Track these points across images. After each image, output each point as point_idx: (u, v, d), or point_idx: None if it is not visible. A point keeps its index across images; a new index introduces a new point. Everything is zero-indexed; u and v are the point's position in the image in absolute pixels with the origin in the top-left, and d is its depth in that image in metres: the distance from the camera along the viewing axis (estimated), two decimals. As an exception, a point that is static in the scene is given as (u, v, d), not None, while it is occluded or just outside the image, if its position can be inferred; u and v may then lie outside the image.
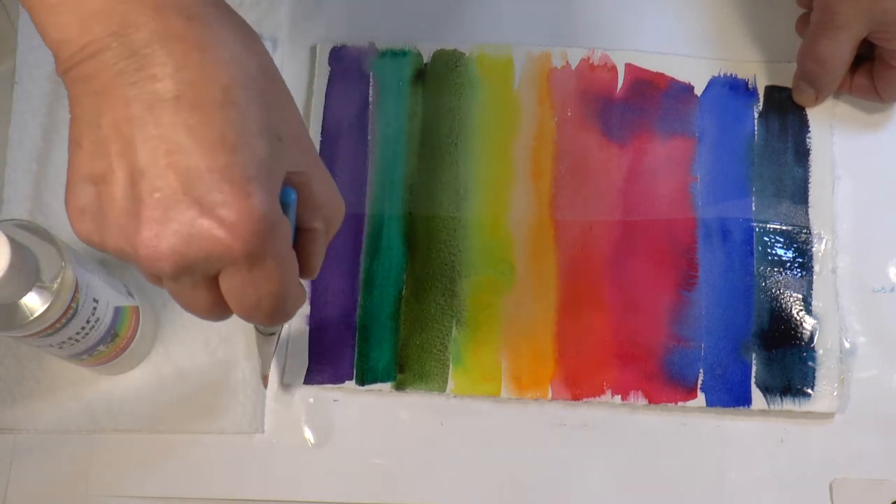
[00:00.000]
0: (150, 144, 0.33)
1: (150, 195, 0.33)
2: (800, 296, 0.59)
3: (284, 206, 0.36)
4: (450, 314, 0.59)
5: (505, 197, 0.61)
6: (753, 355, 0.58)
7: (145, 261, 0.34)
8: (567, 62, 0.64)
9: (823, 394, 0.57)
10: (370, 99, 0.64)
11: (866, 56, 0.60)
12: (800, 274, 0.59)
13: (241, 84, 0.34)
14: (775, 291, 0.59)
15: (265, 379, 0.53)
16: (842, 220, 0.61)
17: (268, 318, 0.37)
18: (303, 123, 0.38)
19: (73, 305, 0.49)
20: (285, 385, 0.59)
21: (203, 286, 0.36)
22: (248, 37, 0.35)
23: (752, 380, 0.57)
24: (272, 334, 0.47)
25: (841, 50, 0.58)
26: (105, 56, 0.33)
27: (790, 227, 0.60)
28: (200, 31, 0.33)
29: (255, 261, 0.34)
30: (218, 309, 0.37)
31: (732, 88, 0.63)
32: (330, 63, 0.64)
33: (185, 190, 0.33)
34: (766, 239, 0.60)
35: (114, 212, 0.34)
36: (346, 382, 0.58)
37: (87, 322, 0.51)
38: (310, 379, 0.59)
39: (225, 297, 0.36)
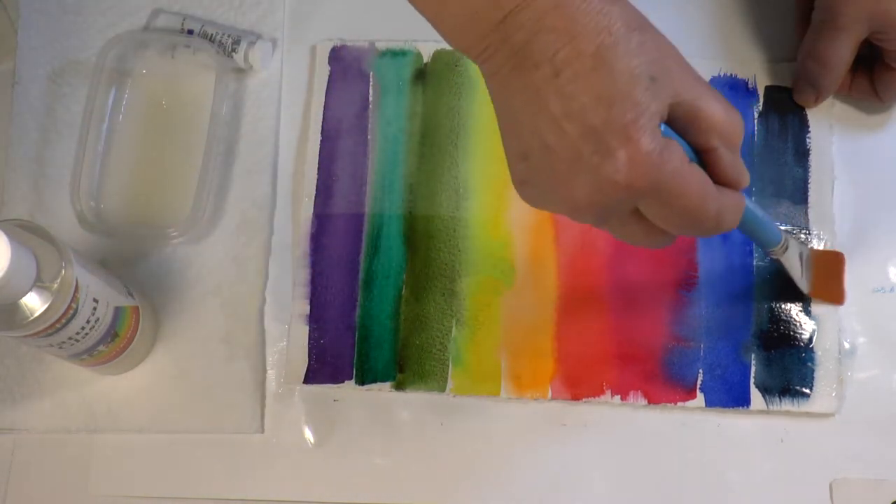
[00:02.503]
0: (545, 121, 0.39)
1: (559, 161, 0.40)
2: (799, 296, 0.59)
3: (668, 134, 0.41)
4: (449, 314, 0.59)
5: (505, 197, 0.61)
6: (753, 356, 0.58)
7: (572, 214, 0.41)
8: (567, 62, 0.64)
9: (822, 394, 0.57)
10: (370, 99, 0.64)
11: (866, 57, 0.60)
12: (800, 274, 0.59)
13: (607, 47, 0.39)
14: (775, 292, 0.59)
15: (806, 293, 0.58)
16: (841, 220, 0.61)
17: (697, 228, 0.42)
18: (678, 55, 0.42)
19: (73, 305, 0.49)
20: (285, 384, 0.59)
21: (632, 221, 0.42)
22: None
23: (752, 380, 0.57)
24: (779, 254, 0.53)
25: (841, 51, 0.58)
26: (497, 58, 0.40)
27: (790, 228, 0.60)
28: (565, 14, 0.39)
29: (658, 186, 0.40)
30: (655, 234, 0.43)
31: (732, 88, 0.63)
32: (330, 63, 0.64)
33: (580, 150, 0.39)
34: (765, 239, 0.60)
35: (540, 180, 0.41)
36: (346, 382, 0.59)
37: (87, 322, 0.51)
38: (310, 378, 0.59)
39: (653, 222, 0.42)
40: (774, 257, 0.54)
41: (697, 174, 0.41)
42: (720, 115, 0.41)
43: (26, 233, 0.48)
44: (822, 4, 0.58)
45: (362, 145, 0.63)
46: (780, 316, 0.59)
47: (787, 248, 0.53)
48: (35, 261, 0.47)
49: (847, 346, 0.58)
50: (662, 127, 0.40)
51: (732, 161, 0.43)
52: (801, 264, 0.56)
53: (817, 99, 0.61)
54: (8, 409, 0.59)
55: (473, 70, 0.64)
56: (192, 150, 0.62)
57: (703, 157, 0.42)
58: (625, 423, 0.58)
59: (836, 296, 0.58)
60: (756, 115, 0.62)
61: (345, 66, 0.64)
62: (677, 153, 0.40)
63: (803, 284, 0.57)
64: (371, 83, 0.64)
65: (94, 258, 0.56)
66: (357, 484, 0.57)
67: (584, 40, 0.39)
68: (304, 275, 0.61)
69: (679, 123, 0.41)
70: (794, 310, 0.59)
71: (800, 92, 0.61)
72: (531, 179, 0.41)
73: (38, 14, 0.65)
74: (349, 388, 0.59)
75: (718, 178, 0.43)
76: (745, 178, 0.44)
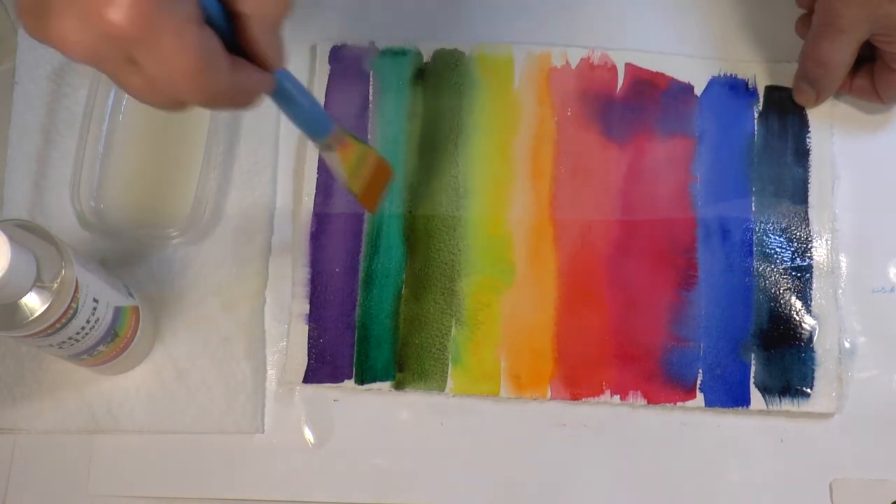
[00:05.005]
0: None
1: None
2: (799, 296, 0.59)
3: None
4: (449, 313, 0.59)
5: (505, 196, 0.61)
6: (752, 355, 0.58)
7: (61, 50, 0.37)
8: (567, 62, 0.64)
9: (822, 394, 0.57)
10: (370, 98, 0.64)
11: (867, 57, 0.60)
12: (799, 274, 0.59)
13: None
14: (774, 291, 0.59)
15: (354, 194, 0.54)
16: (841, 220, 0.61)
17: (194, 95, 0.38)
18: None
19: (73, 305, 0.49)
20: (285, 384, 0.59)
21: (128, 71, 0.38)
22: None
23: (751, 380, 0.57)
24: (327, 149, 0.50)
25: (842, 52, 0.58)
26: None
27: (790, 227, 0.60)
28: None
29: (147, 37, 0.36)
30: (156, 93, 0.39)
31: (732, 88, 0.63)
32: (330, 62, 0.64)
33: None
34: (765, 239, 0.60)
35: (39, 9, 0.36)
36: (346, 381, 0.59)
37: (87, 322, 0.51)
38: (309, 378, 0.59)
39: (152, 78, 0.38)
40: (322, 151, 0.51)
41: (203, 38, 0.37)
42: None
43: (26, 233, 0.48)
44: (823, 6, 0.57)
45: (362, 145, 0.63)
46: (780, 315, 0.59)
47: (333, 146, 0.50)
48: (35, 261, 0.47)
49: (847, 345, 0.58)
50: None
51: (262, 35, 0.40)
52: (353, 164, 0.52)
53: (817, 100, 0.61)
54: (8, 409, 0.59)
55: (473, 69, 0.64)
56: (192, 150, 0.62)
57: (234, 23, 0.39)
58: (624, 423, 0.58)
59: (371, 205, 0.56)
60: (756, 115, 0.62)
61: (345, 65, 0.64)
62: (184, 6, 0.36)
63: (353, 184, 0.53)
64: (371, 83, 0.64)
65: (94, 258, 0.56)
66: (357, 484, 0.57)
67: None
68: (303, 274, 0.61)
69: None
70: (793, 309, 0.59)
71: (800, 93, 0.61)
72: (32, 8, 0.37)
73: (38, 14, 0.65)
74: (349, 387, 0.59)
75: (252, 52, 0.40)
76: (277, 59, 0.41)
